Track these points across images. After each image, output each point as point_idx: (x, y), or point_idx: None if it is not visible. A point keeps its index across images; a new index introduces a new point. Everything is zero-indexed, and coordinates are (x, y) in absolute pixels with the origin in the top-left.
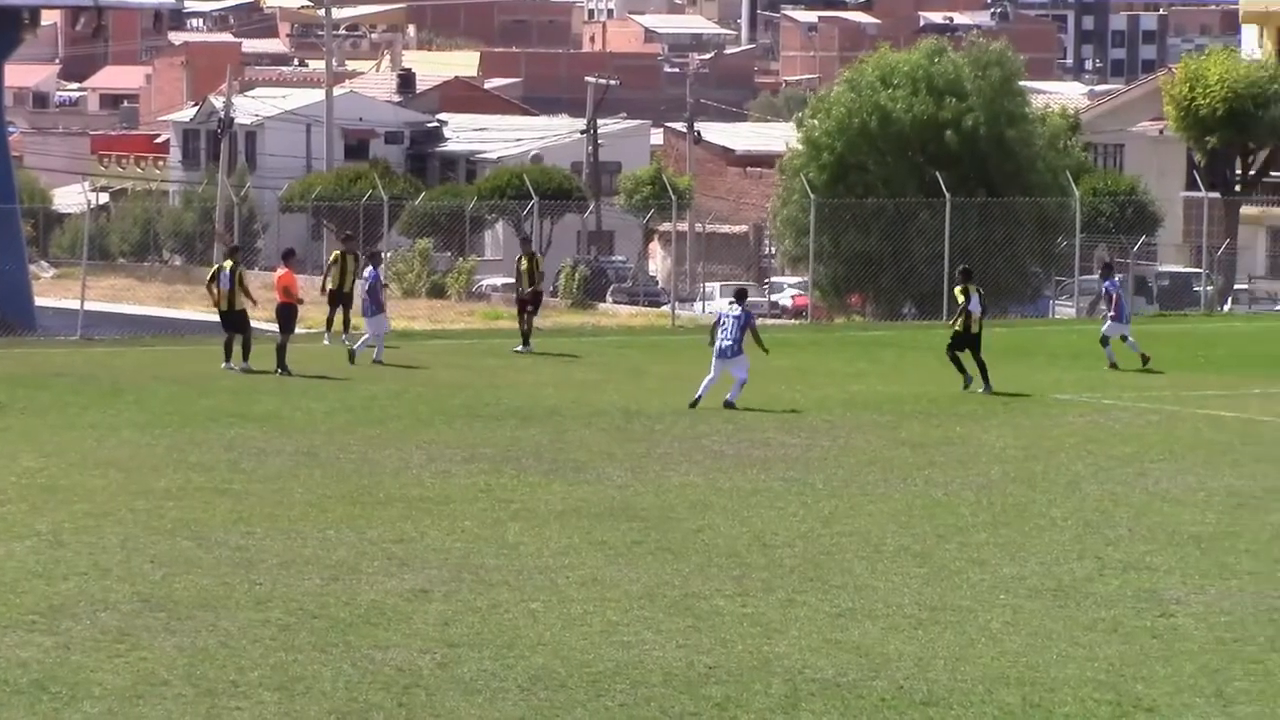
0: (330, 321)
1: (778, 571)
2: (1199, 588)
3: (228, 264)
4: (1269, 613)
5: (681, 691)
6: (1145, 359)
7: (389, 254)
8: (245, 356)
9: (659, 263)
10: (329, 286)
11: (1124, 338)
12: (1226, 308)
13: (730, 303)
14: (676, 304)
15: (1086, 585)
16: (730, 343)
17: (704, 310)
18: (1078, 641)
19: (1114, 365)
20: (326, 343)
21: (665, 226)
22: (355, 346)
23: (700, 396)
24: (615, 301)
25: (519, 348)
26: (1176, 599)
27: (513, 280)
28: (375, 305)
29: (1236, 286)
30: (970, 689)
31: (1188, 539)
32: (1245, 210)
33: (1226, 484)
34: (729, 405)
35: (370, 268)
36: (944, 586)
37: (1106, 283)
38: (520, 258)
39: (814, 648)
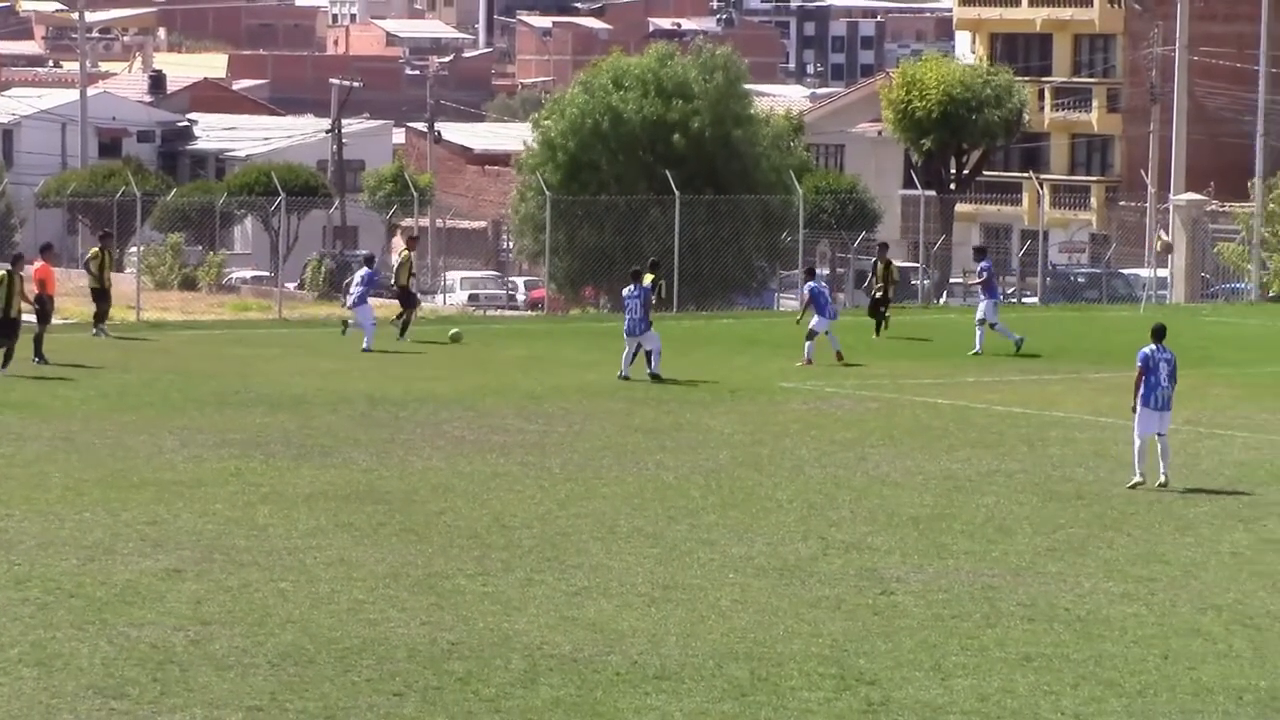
0: (99, 316)
1: (516, 552)
2: (917, 567)
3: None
4: (984, 590)
5: (425, 667)
6: (839, 356)
7: (140, 248)
8: (4, 364)
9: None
10: (90, 285)
11: (827, 333)
12: (943, 300)
13: (630, 286)
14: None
15: (811, 564)
16: (636, 319)
17: (445, 302)
18: (803, 618)
19: (839, 356)
20: (94, 334)
21: (407, 222)
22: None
23: (624, 372)
24: None
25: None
26: (896, 577)
27: (267, 274)
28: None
29: (952, 280)
30: (701, 664)
31: (906, 520)
32: (960, 208)
33: (942, 468)
34: (654, 377)
35: (365, 268)
36: (675, 566)
37: (809, 285)
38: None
39: (552, 625)
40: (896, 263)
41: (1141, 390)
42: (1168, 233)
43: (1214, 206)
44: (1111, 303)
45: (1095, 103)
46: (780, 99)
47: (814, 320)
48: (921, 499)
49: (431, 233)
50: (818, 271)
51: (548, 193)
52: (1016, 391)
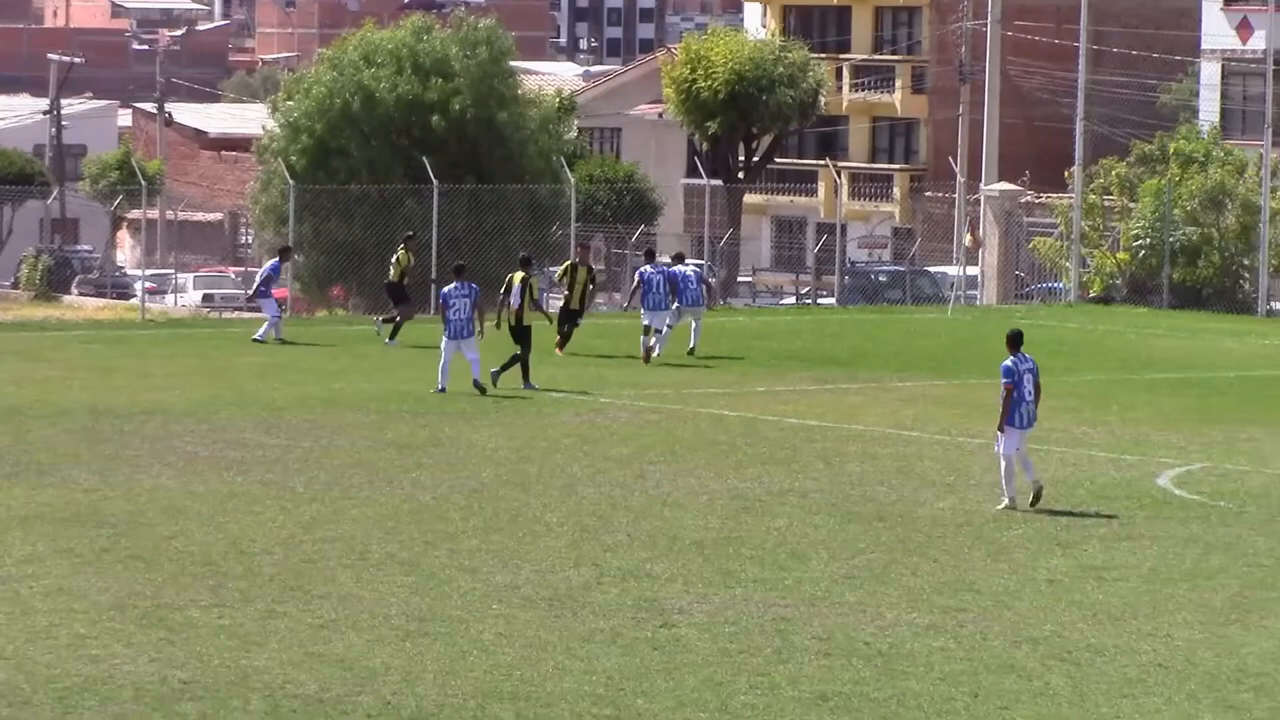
0: None
1: (256, 580)
2: (702, 596)
3: None
4: (775, 622)
5: (154, 708)
6: (646, 356)
7: None
8: None
9: (128, 252)
10: None
11: (653, 328)
12: (738, 302)
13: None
14: (146, 296)
15: (584, 594)
16: (463, 319)
17: (176, 303)
18: (575, 653)
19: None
20: None
21: (134, 214)
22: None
23: (442, 384)
24: (81, 294)
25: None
26: (678, 608)
27: None
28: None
29: (740, 279)
30: (462, 704)
31: (690, 545)
32: (749, 198)
33: (729, 486)
34: (479, 386)
35: (275, 259)
36: (433, 596)
37: (639, 270)
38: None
39: (295, 661)
40: (691, 261)
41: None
42: (978, 226)
43: (1029, 198)
44: (916, 304)
45: (899, 83)
46: (550, 77)
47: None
48: (706, 521)
49: (161, 226)
50: (657, 255)
51: (291, 181)
52: (811, 402)
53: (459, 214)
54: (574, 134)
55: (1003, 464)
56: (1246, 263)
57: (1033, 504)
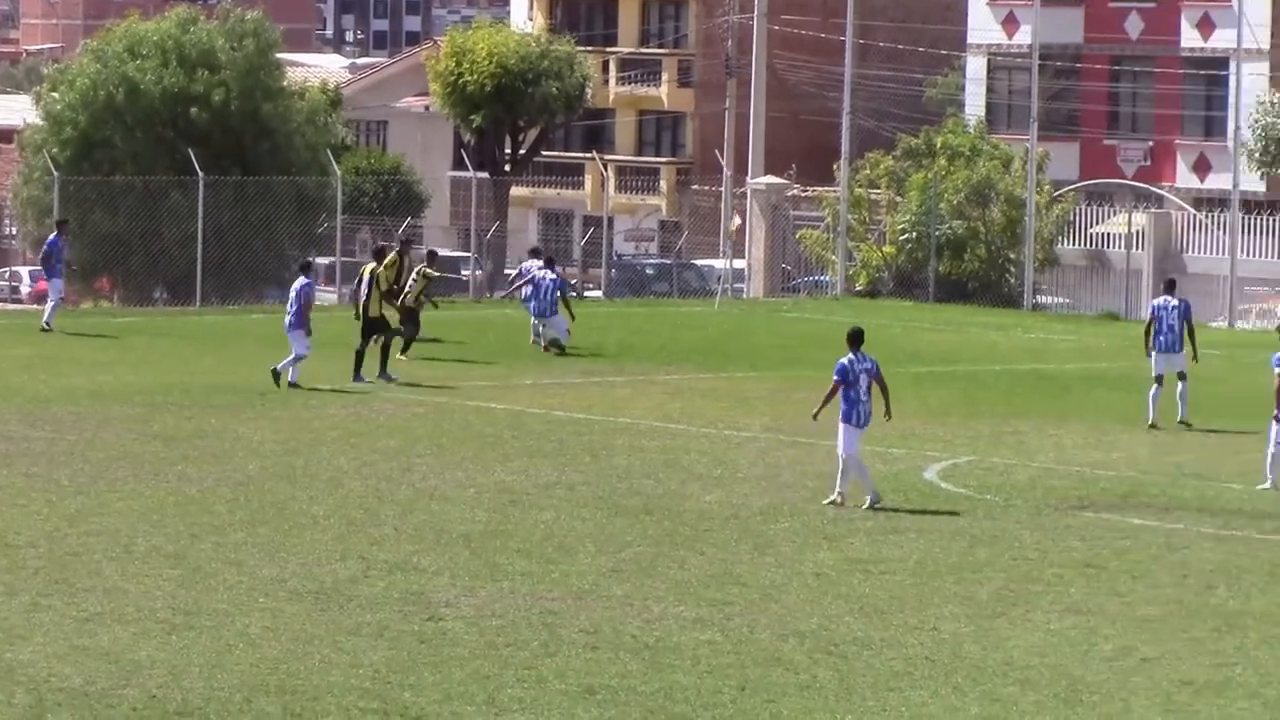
0: None
1: (21, 574)
2: (469, 589)
3: None
4: (542, 616)
5: None
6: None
7: None
8: None
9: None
10: None
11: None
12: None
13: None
14: None
15: (350, 587)
16: (291, 315)
17: None
18: (341, 647)
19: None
20: None
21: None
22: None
23: (293, 378)
24: None
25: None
26: (446, 601)
27: None
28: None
29: (507, 271)
30: (228, 698)
31: (457, 538)
32: (516, 191)
33: (497, 480)
34: (276, 375)
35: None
36: (199, 589)
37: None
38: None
39: (60, 655)
40: (445, 251)
41: (843, 406)
42: (744, 219)
43: (796, 191)
44: (683, 297)
45: (665, 76)
46: (316, 70)
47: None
48: (473, 514)
49: None
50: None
51: (55, 173)
52: (579, 395)
53: (224, 206)
54: (340, 126)
55: (841, 462)
56: (1012, 256)
57: (828, 503)
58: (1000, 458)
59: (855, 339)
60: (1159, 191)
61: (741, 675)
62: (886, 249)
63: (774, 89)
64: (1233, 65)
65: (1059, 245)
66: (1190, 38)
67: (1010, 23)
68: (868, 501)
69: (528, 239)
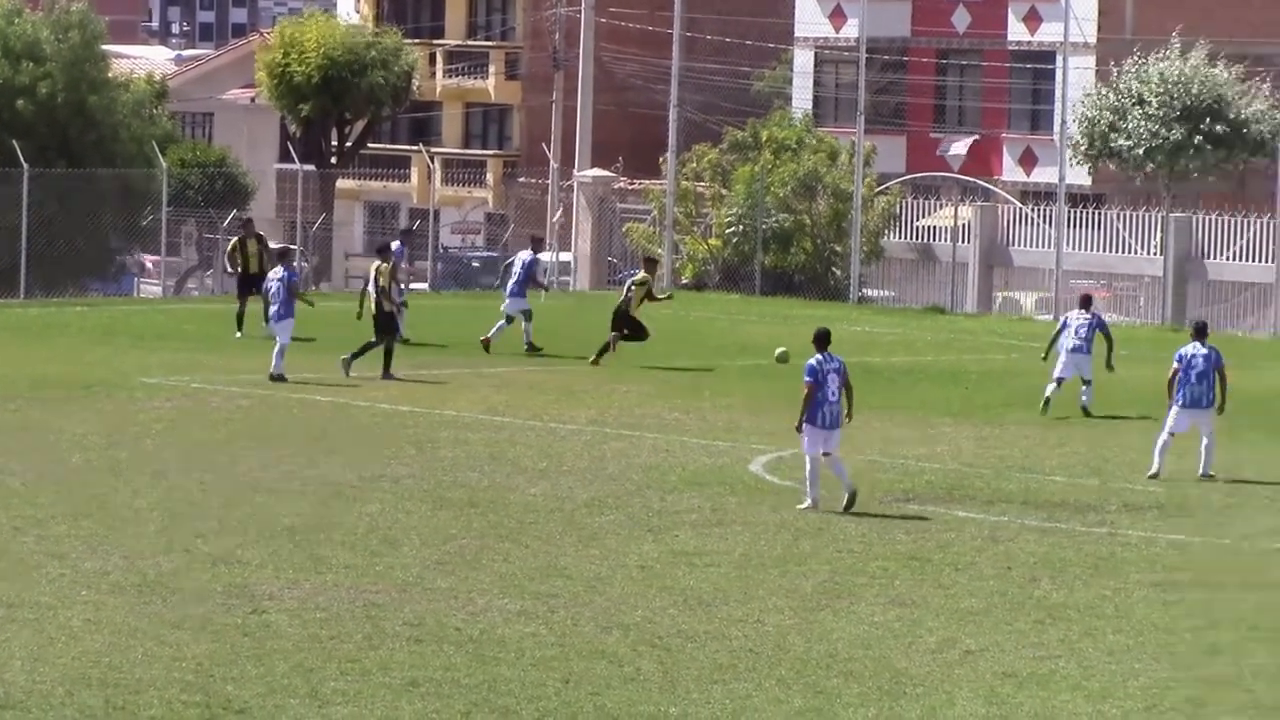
0: None
1: None
2: (292, 582)
3: None
4: (365, 608)
5: None
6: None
7: None
8: None
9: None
10: None
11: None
12: (322, 287)
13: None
14: None
15: (173, 580)
16: (279, 306)
17: None
18: (164, 640)
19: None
20: None
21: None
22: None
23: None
24: None
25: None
26: (269, 594)
27: None
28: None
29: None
30: (50, 691)
31: (281, 531)
32: (342, 184)
33: (321, 472)
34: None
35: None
36: (21, 582)
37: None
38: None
39: None
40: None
41: (810, 408)
42: (572, 212)
43: (623, 184)
44: None
45: (492, 69)
46: (142, 61)
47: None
48: (298, 507)
49: None
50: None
51: None
52: (404, 388)
53: (49, 198)
54: (166, 118)
55: (808, 464)
56: (838, 249)
57: (846, 509)
58: None
59: (822, 339)
60: (985, 185)
61: (566, 668)
62: (713, 242)
63: (601, 82)
64: (1059, 59)
65: (885, 238)
66: (1017, 31)
67: (837, 16)
68: (845, 501)
69: (354, 232)
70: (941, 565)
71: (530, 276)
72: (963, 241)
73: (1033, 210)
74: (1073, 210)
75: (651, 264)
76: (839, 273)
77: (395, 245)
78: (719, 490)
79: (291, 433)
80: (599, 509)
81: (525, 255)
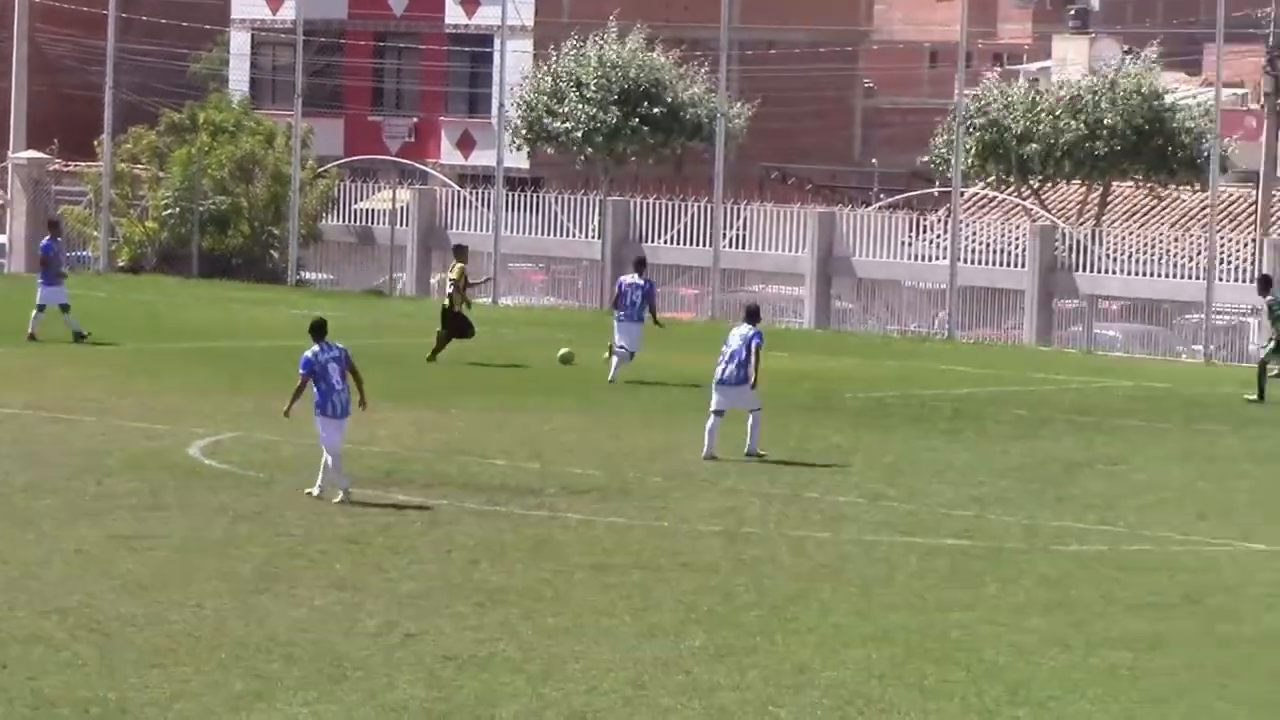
0: None
1: None
2: None
3: None
4: None
5: None
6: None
7: None
8: None
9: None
10: None
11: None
12: None
13: None
14: None
15: None
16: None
17: None
18: None
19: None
20: None
21: None
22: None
23: None
24: None
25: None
26: None
27: None
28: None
29: None
30: None
31: None
32: None
33: None
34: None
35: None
36: None
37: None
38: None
39: None
40: None
41: (316, 398)
42: (7, 194)
43: (58, 166)
44: None
45: None
46: None
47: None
48: None
49: None
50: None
51: None
52: None
53: None
54: None
55: (327, 458)
56: (276, 232)
57: (341, 502)
58: (264, 434)
59: (318, 330)
60: (423, 168)
61: (3, 654)
62: (149, 224)
63: (36, 63)
64: (497, 42)
65: (324, 221)
66: (455, 15)
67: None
68: (316, 490)
69: None
70: (382, 549)
71: None
72: (401, 225)
73: (471, 193)
74: (511, 193)
75: (461, 251)
76: (277, 255)
77: None
78: (158, 474)
79: None
80: (35, 493)
81: None
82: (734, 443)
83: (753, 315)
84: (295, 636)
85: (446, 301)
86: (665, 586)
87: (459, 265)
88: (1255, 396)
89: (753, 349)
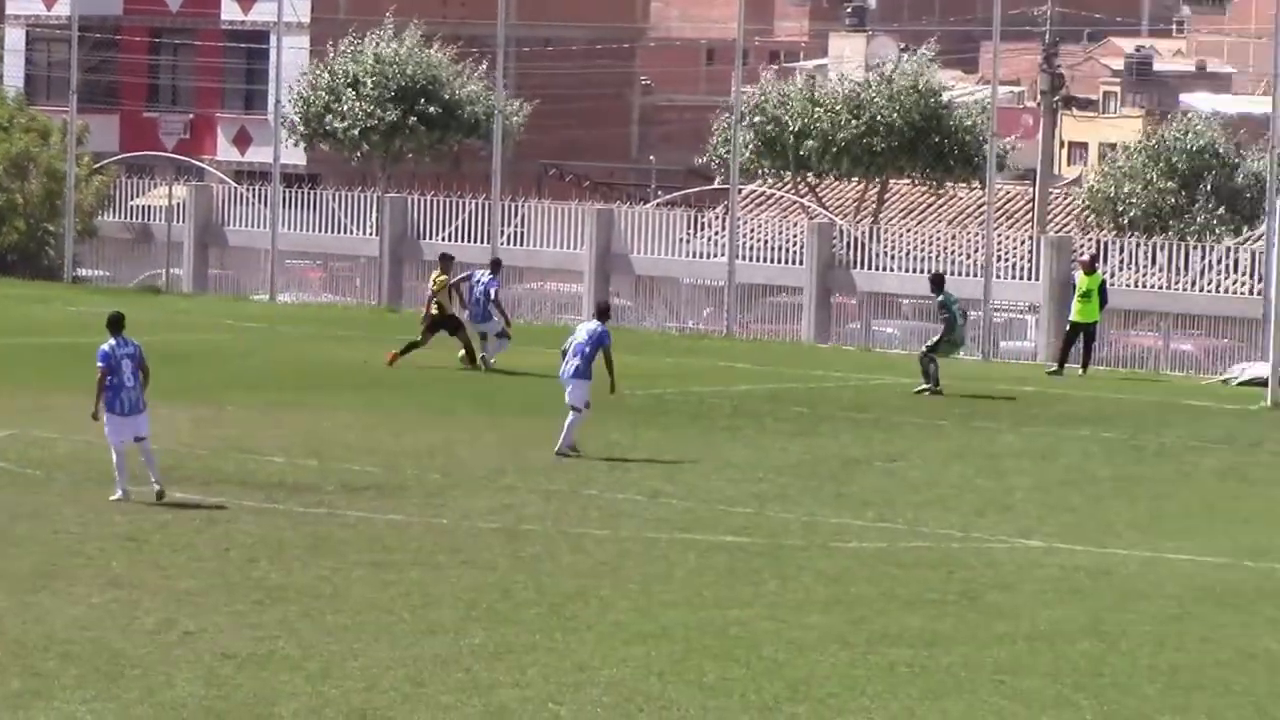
0: None
1: None
2: None
3: None
4: None
5: None
6: None
7: None
8: None
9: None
10: None
11: None
12: None
13: None
14: None
15: None
16: None
17: None
18: None
19: None
20: None
21: None
22: None
23: None
24: None
25: None
26: None
27: None
28: None
29: None
30: None
31: None
32: None
33: None
34: None
35: None
36: None
37: None
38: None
39: None
40: None
41: (107, 394)
42: None
43: None
44: None
45: None
46: None
47: None
48: None
49: None
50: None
51: None
52: None
53: None
54: None
55: (113, 455)
56: (51, 229)
57: (158, 500)
58: (41, 431)
59: (115, 324)
60: (200, 164)
61: None
62: None
63: None
64: (273, 39)
65: (100, 218)
66: (231, 11)
67: None
68: (156, 489)
69: None
70: (160, 546)
71: None
72: (178, 221)
73: (248, 190)
74: (288, 190)
75: (447, 260)
76: (53, 252)
77: None
78: None
79: None
80: None
81: None
82: (595, 444)
83: (603, 312)
84: (73, 634)
85: (435, 310)
86: (444, 584)
87: (441, 277)
88: (929, 386)
89: (605, 349)
